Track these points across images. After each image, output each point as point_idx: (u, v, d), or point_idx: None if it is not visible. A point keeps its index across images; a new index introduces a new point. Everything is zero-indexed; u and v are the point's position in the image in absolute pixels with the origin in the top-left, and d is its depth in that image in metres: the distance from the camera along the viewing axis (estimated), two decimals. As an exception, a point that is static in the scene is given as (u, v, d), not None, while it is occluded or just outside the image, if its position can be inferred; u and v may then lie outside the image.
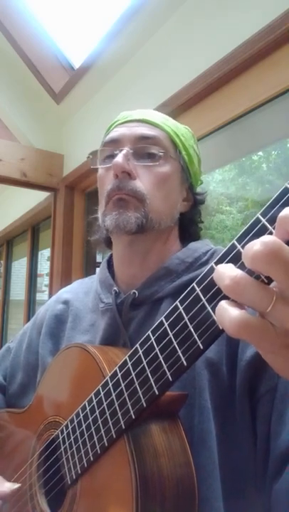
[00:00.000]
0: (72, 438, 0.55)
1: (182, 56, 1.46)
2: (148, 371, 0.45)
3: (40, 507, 0.59)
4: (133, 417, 0.46)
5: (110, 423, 0.49)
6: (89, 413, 0.53)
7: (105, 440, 0.49)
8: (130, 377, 0.48)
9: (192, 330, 0.40)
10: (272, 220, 0.34)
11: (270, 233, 0.34)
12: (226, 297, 0.35)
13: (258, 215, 0.35)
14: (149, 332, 0.46)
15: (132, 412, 0.47)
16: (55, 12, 2.11)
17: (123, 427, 0.47)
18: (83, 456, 0.52)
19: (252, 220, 0.36)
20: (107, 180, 0.68)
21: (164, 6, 1.49)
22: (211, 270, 0.38)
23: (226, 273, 0.32)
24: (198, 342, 0.39)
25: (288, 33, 1.07)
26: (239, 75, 1.25)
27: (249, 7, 1.19)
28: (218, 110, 1.34)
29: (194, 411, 0.55)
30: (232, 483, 0.54)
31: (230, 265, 0.34)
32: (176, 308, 0.43)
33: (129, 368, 0.48)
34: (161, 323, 0.45)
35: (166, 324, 0.44)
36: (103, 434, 0.50)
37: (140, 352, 0.47)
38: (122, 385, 0.49)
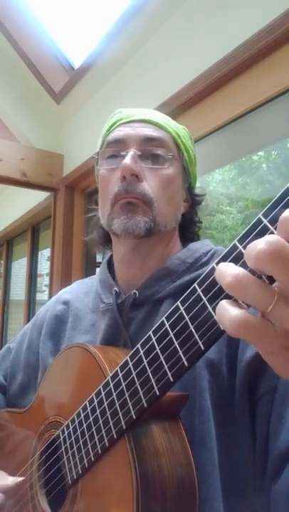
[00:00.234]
0: (73, 438, 0.55)
1: (182, 56, 1.46)
2: (149, 371, 0.46)
3: (41, 507, 0.59)
4: (134, 417, 0.47)
5: (111, 423, 0.49)
6: (90, 413, 0.53)
7: (106, 440, 0.49)
8: (131, 377, 0.48)
9: (193, 330, 0.40)
10: (273, 221, 0.34)
11: (272, 233, 0.34)
12: (227, 298, 0.35)
13: (260, 215, 0.35)
14: (150, 332, 0.47)
15: (132, 412, 0.47)
16: (55, 12, 2.11)
17: (124, 427, 0.47)
18: (84, 456, 0.52)
19: (253, 221, 0.36)
20: (113, 181, 0.67)
21: (164, 6, 1.49)
22: (213, 271, 0.38)
23: (228, 271, 0.32)
24: (200, 342, 0.39)
25: (288, 33, 1.07)
26: (239, 75, 1.25)
27: (249, 7, 1.19)
28: (218, 110, 1.34)
29: (195, 411, 0.55)
30: (232, 483, 0.54)
31: (232, 264, 0.34)
32: (177, 308, 0.43)
33: (130, 368, 0.48)
34: (162, 324, 0.45)
35: (167, 325, 0.44)
36: (104, 434, 0.50)
37: (141, 352, 0.47)
38: (123, 385, 0.49)
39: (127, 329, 0.65)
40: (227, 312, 0.32)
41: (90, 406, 0.53)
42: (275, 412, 0.51)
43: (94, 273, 2.20)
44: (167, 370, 0.43)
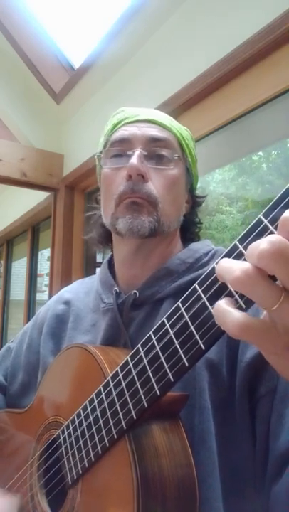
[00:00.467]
0: (73, 438, 0.55)
1: (182, 56, 1.46)
2: (149, 371, 0.46)
3: (41, 507, 0.59)
4: (134, 417, 0.47)
5: (111, 423, 0.49)
6: (90, 413, 0.53)
7: (106, 440, 0.49)
8: (131, 377, 0.48)
9: (194, 330, 0.40)
10: (274, 221, 0.34)
11: (272, 233, 0.34)
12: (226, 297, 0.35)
13: (260, 216, 0.35)
14: (151, 332, 0.47)
15: (133, 412, 0.47)
16: (55, 12, 2.11)
17: (124, 427, 0.47)
18: (84, 456, 0.52)
19: (254, 221, 0.36)
20: (117, 180, 0.67)
21: (164, 6, 1.49)
22: (213, 270, 0.38)
23: (235, 266, 0.32)
24: (200, 342, 0.39)
25: (288, 33, 1.07)
26: (239, 75, 1.25)
27: (249, 7, 1.19)
28: (218, 110, 1.34)
29: (195, 411, 0.55)
30: (232, 483, 0.54)
31: (237, 261, 0.34)
32: (177, 308, 0.43)
33: (130, 368, 0.48)
34: (163, 324, 0.45)
35: (167, 325, 0.44)
36: (104, 434, 0.50)
37: (142, 352, 0.47)
38: (124, 385, 0.49)
39: (127, 329, 0.65)
40: (229, 315, 0.32)
41: (90, 406, 0.53)
42: (275, 412, 0.51)
43: (94, 273, 2.20)
44: (168, 370, 0.43)
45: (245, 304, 0.35)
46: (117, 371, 0.50)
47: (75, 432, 0.55)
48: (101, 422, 0.51)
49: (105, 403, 0.51)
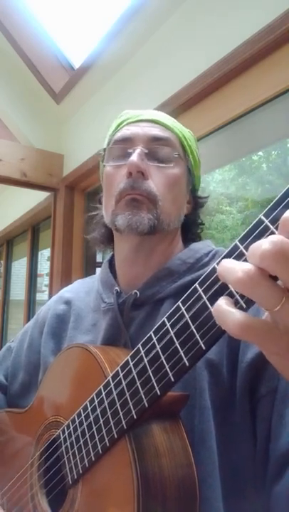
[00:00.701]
0: (73, 438, 0.55)
1: (182, 56, 1.46)
2: (150, 371, 0.46)
3: (41, 507, 0.59)
4: (135, 417, 0.47)
5: (112, 423, 0.49)
6: (90, 413, 0.53)
7: (107, 440, 0.49)
8: (132, 377, 0.48)
9: (194, 330, 0.40)
10: (274, 221, 0.34)
11: (273, 233, 0.34)
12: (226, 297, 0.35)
13: (261, 216, 0.35)
14: (151, 332, 0.47)
15: (133, 412, 0.47)
16: (55, 12, 2.11)
17: (125, 427, 0.47)
18: (84, 456, 0.52)
19: (254, 221, 0.36)
20: (118, 178, 0.67)
21: (164, 6, 1.49)
22: (214, 271, 0.38)
23: (236, 267, 0.32)
24: (201, 342, 0.39)
25: (288, 33, 1.07)
26: (239, 75, 1.25)
27: (249, 7, 1.19)
28: (218, 110, 1.34)
29: (195, 411, 0.55)
30: (232, 483, 0.54)
31: (238, 262, 0.33)
32: (178, 308, 0.43)
33: (130, 368, 0.48)
34: (163, 324, 0.45)
35: (168, 324, 0.44)
36: (105, 434, 0.50)
37: (142, 352, 0.47)
38: (124, 384, 0.49)
39: (128, 329, 0.65)
40: (230, 315, 0.32)
41: (90, 406, 0.53)
42: (276, 412, 0.51)
43: (94, 273, 2.20)
44: (168, 370, 0.43)
45: (246, 303, 0.35)
46: (117, 371, 0.50)
47: (75, 432, 0.55)
48: (101, 421, 0.51)
49: (106, 403, 0.51)
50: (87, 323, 0.73)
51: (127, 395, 0.48)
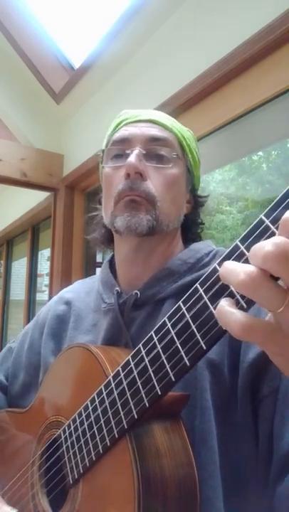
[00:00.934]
0: (74, 437, 0.55)
1: (182, 56, 1.46)
2: (150, 371, 0.46)
3: (42, 506, 0.59)
4: (135, 416, 0.47)
5: (113, 423, 0.49)
6: (91, 413, 0.53)
7: (107, 440, 0.49)
8: (133, 377, 0.48)
9: (195, 330, 0.40)
10: (275, 222, 0.34)
11: (273, 234, 0.34)
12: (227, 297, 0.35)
13: (262, 216, 0.35)
14: (152, 332, 0.47)
15: (134, 411, 0.47)
16: (55, 12, 2.11)
17: (125, 426, 0.47)
18: (85, 455, 0.52)
19: (255, 221, 0.36)
20: (117, 179, 0.67)
21: (164, 6, 1.49)
22: (214, 271, 0.38)
23: (239, 269, 0.32)
24: (201, 342, 0.39)
25: (288, 33, 1.07)
26: (239, 75, 1.25)
27: (249, 7, 1.19)
28: (218, 110, 1.34)
29: (196, 411, 0.55)
30: (233, 483, 0.54)
31: (241, 263, 0.33)
32: (178, 308, 0.43)
33: (131, 367, 0.48)
34: (164, 324, 0.45)
35: (168, 324, 0.44)
36: (105, 434, 0.50)
37: (143, 352, 0.47)
38: (125, 384, 0.49)
39: (129, 329, 0.65)
40: (232, 316, 0.32)
41: (91, 405, 0.53)
42: (278, 413, 0.51)
43: (94, 273, 2.20)
44: (169, 369, 0.43)
45: (247, 304, 0.35)
46: (118, 371, 0.51)
47: (76, 432, 0.55)
48: (102, 421, 0.51)
49: (106, 402, 0.51)
50: (87, 324, 0.73)
51: (128, 394, 0.48)
